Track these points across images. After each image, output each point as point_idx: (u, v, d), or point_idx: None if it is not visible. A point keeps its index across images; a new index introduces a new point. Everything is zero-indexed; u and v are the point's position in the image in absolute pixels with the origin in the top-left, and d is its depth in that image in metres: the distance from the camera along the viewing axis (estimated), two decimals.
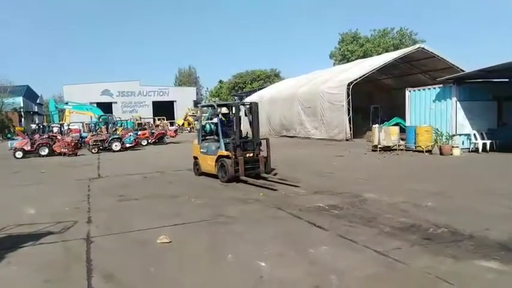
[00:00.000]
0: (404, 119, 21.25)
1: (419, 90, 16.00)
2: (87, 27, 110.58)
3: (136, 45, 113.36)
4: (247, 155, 9.25)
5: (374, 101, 27.82)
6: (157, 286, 3.82)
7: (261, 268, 4.12)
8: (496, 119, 14.85)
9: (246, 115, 9.62)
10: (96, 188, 9.49)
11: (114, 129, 23.59)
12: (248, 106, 9.71)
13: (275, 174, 9.67)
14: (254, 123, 9.49)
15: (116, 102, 52.77)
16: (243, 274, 3.99)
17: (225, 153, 9.16)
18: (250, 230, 5.61)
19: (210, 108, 10.73)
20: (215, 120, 10.64)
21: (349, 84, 21.58)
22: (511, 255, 4.19)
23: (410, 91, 16.34)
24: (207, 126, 10.47)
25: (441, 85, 14.99)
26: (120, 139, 20.67)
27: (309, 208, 6.66)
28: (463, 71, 19.98)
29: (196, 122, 45.05)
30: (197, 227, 5.80)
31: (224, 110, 10.07)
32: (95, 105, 35.86)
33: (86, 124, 29.54)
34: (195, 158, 10.56)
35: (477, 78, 15.00)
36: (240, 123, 9.34)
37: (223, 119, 9.89)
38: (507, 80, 15.42)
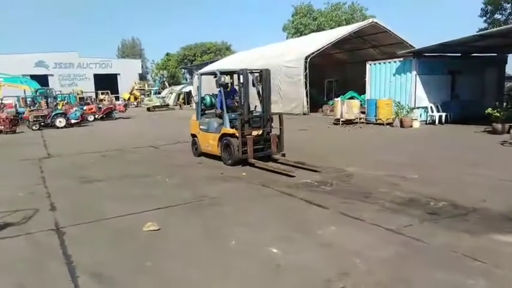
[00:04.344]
0: (358, 92, 21.68)
1: (379, 63, 16.11)
2: None
3: (73, 15, 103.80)
4: (256, 133, 8.09)
5: (327, 75, 27.93)
6: (164, 285, 3.26)
7: (274, 255, 3.71)
8: (450, 92, 15.51)
9: (254, 85, 8.23)
10: (50, 169, 8.43)
11: (55, 104, 21.61)
12: (257, 74, 8.30)
13: (283, 155, 8.37)
14: (265, 95, 8.14)
15: (52, 75, 48.19)
16: (257, 264, 3.55)
17: (231, 131, 7.96)
18: (242, 211, 5.17)
19: (211, 76, 8.80)
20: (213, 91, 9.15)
21: (306, 58, 21.38)
22: None
23: (370, 64, 16.38)
24: (207, 98, 9.17)
25: (401, 59, 15.21)
26: (64, 114, 18.93)
27: (296, 185, 6.33)
28: (412, 46, 20.51)
29: (143, 96, 42.97)
30: (182, 211, 5.23)
31: (227, 79, 8.69)
32: (28, 77, 32.36)
33: (22, 98, 26.63)
34: (193, 136, 9.39)
35: (434, 52, 15.42)
36: (248, 95, 7.98)
37: (222, 89, 8.37)
38: (460, 54, 16.09)
